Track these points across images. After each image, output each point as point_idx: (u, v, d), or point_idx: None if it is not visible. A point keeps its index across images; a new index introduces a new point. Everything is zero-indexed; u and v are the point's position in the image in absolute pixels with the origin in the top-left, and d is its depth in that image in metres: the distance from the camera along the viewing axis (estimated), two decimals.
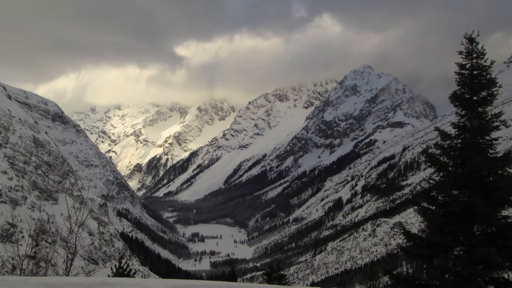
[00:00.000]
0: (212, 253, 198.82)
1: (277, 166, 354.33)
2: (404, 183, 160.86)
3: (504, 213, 11.11)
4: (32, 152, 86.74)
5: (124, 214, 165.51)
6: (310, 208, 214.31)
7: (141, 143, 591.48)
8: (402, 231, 11.86)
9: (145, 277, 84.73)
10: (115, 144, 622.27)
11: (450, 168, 11.69)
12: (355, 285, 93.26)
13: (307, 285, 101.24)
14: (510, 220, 10.82)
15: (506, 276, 10.93)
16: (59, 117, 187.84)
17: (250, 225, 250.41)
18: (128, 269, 24.66)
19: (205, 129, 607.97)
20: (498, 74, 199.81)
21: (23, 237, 63.81)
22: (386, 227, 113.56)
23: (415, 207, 12.02)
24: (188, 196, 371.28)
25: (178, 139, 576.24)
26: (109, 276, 23.28)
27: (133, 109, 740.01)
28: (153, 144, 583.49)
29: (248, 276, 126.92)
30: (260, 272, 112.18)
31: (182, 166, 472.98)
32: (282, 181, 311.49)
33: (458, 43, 11.89)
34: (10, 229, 65.94)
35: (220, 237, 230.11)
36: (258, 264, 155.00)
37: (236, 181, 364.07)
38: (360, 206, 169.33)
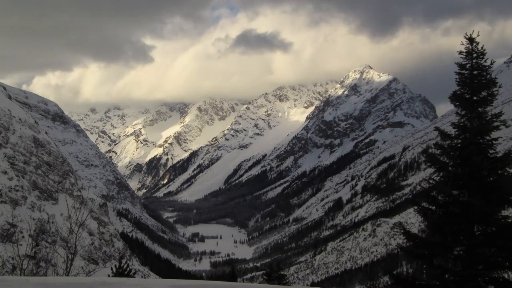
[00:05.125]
0: (212, 253, 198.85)
1: (277, 166, 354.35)
2: (404, 183, 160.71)
3: (504, 213, 11.11)
4: (32, 152, 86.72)
5: (124, 214, 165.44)
6: (310, 208, 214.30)
7: (141, 143, 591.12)
8: (402, 231, 11.86)
9: (145, 277, 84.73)
10: (115, 144, 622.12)
11: (450, 168, 11.69)
12: (355, 285, 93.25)
13: (307, 285, 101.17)
14: (510, 220, 10.82)
15: (506, 276, 10.94)
16: (59, 117, 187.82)
17: (250, 225, 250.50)
18: (128, 269, 24.65)
19: (205, 129, 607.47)
20: (498, 74, 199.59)
21: (23, 237, 63.79)
22: (386, 227, 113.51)
23: (415, 207, 12.02)
24: (188, 196, 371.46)
25: (178, 139, 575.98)
26: (109, 276, 23.27)
27: (133, 109, 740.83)
28: (153, 144, 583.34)
29: (248, 276, 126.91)
30: (260, 272, 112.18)
31: (182, 166, 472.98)
32: (282, 181, 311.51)
33: None
34: (10, 229, 65.93)
35: (220, 237, 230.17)
36: (258, 264, 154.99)
37: (236, 181, 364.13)
38: (360, 206, 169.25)
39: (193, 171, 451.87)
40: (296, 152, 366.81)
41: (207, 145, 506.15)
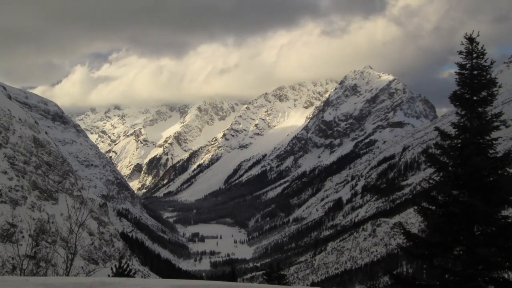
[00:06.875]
0: (212, 253, 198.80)
1: (277, 166, 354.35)
2: (404, 183, 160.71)
3: (504, 213, 11.11)
4: (32, 152, 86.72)
5: (124, 214, 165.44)
6: (310, 208, 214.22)
7: (141, 143, 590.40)
8: (402, 231, 11.86)
9: (145, 277, 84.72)
10: (115, 144, 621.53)
11: (450, 168, 11.69)
12: (355, 285, 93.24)
13: (307, 285, 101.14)
14: (510, 220, 10.82)
15: (506, 276, 10.94)
16: (59, 117, 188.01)
17: (250, 225, 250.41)
18: (128, 269, 24.64)
19: (205, 129, 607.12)
20: (498, 74, 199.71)
21: (23, 237, 63.80)
22: (386, 227, 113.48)
23: (415, 207, 12.02)
24: (188, 196, 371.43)
25: (178, 139, 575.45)
26: (109, 276, 23.26)
27: (133, 109, 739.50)
28: (153, 144, 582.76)
29: (248, 276, 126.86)
30: (260, 272, 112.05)
31: (182, 166, 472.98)
32: (282, 181, 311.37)
33: None
34: (10, 229, 65.93)
35: (220, 237, 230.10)
36: (258, 264, 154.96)
37: (236, 181, 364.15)
38: (360, 206, 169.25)
39: (193, 171, 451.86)
40: (296, 152, 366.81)
41: (207, 145, 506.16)
